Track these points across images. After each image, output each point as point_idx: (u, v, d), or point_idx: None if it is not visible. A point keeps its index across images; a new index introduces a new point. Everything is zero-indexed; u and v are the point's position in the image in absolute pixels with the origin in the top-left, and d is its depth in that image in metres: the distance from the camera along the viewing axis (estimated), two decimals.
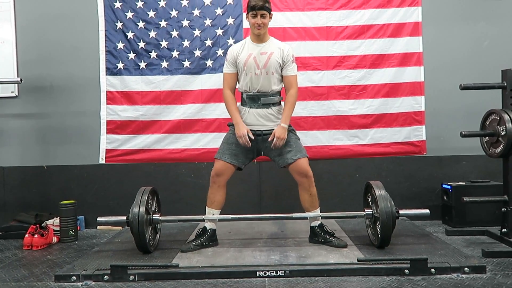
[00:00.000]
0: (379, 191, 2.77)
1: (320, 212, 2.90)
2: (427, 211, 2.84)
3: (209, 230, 2.89)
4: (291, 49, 2.89)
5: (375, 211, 2.80)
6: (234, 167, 2.89)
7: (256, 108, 2.86)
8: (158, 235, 2.95)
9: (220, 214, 2.90)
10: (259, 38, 2.85)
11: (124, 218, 2.76)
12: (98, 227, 3.65)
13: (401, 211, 2.76)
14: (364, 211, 2.87)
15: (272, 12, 2.87)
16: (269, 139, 2.81)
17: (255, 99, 2.86)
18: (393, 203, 2.71)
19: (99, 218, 2.89)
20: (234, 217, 2.85)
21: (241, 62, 2.85)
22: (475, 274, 2.36)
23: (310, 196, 2.86)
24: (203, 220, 2.93)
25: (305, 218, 2.93)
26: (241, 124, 2.82)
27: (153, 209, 2.91)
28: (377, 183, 2.87)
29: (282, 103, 2.94)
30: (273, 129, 2.84)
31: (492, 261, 2.60)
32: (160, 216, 2.87)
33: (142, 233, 2.65)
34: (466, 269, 2.37)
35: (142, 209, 2.68)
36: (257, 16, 2.77)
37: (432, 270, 2.36)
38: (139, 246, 2.72)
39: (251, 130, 2.85)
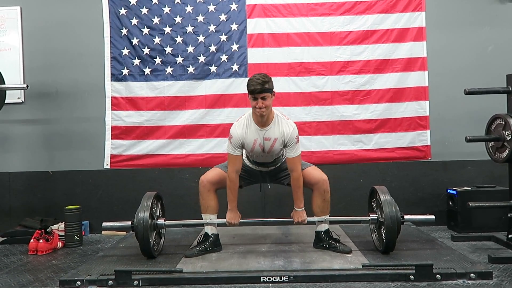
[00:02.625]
0: (384, 196, 2.76)
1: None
2: (432, 216, 2.82)
3: (211, 236, 2.89)
4: (295, 129, 2.72)
5: (379, 216, 2.79)
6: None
7: (261, 166, 2.94)
8: (162, 240, 2.95)
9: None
10: (262, 122, 2.70)
11: (128, 223, 2.77)
12: (103, 232, 3.66)
13: (406, 216, 2.74)
14: (369, 216, 2.86)
15: (273, 90, 2.66)
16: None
17: (259, 164, 2.93)
18: (398, 208, 2.69)
19: (104, 223, 2.90)
20: None
21: (248, 147, 2.77)
22: (481, 280, 2.34)
23: (323, 202, 2.84)
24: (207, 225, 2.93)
25: (309, 223, 2.91)
26: (234, 212, 2.82)
27: (158, 214, 2.92)
28: (382, 188, 2.86)
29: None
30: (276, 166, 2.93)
31: (499, 267, 2.57)
32: (164, 221, 2.88)
33: (146, 238, 2.66)
34: (472, 275, 2.35)
35: (147, 214, 2.69)
36: (258, 99, 2.60)
37: (438, 276, 2.34)
38: (143, 251, 2.72)
39: (255, 170, 2.94)
